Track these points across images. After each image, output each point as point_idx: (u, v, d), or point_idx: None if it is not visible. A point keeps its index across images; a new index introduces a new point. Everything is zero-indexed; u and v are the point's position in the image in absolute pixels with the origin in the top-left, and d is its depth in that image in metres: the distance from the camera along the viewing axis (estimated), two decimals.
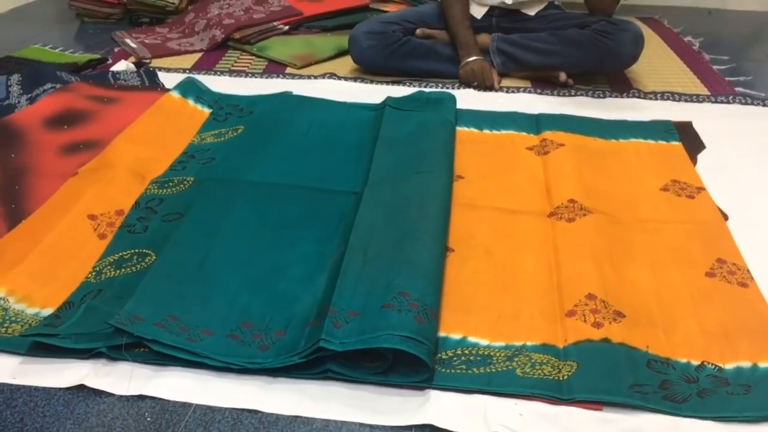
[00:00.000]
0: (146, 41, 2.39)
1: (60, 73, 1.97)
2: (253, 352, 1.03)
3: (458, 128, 1.71)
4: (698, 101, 1.97)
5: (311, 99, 1.84)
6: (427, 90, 1.89)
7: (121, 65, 2.11)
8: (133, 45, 2.34)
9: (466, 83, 2.04)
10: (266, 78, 2.12)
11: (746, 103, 1.96)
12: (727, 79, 2.16)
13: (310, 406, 0.97)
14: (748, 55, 2.45)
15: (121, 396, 0.98)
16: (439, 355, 1.04)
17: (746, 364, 1.02)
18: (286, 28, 2.45)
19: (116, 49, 2.35)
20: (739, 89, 2.07)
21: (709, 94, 2.03)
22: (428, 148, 1.52)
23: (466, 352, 1.05)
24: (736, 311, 1.12)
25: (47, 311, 1.11)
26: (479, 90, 2.01)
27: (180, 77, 1.96)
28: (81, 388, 0.99)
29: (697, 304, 1.14)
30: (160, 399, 0.98)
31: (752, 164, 1.61)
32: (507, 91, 2.02)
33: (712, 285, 1.18)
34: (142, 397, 0.98)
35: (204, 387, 1.00)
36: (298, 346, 1.01)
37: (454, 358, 1.03)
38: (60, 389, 0.99)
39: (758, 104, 1.95)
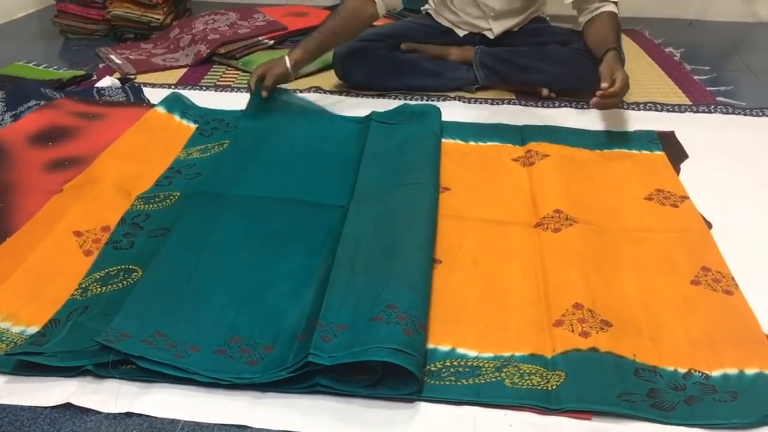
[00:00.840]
0: (131, 57, 2.39)
1: (44, 89, 1.96)
2: (242, 367, 1.03)
3: (444, 140, 1.71)
4: (680, 111, 1.99)
5: (297, 112, 1.84)
6: (412, 103, 1.90)
7: (106, 81, 2.11)
8: (117, 61, 2.34)
9: None
10: None
11: (727, 113, 1.98)
12: (708, 89, 2.18)
13: (299, 420, 0.97)
14: (728, 65, 2.48)
15: (109, 414, 0.98)
16: (428, 366, 1.04)
17: (732, 371, 1.03)
18: (271, 42, 2.45)
19: (101, 65, 2.34)
20: (720, 99, 2.09)
21: (691, 104, 2.05)
22: (414, 160, 1.53)
23: (455, 363, 1.05)
24: (721, 319, 1.13)
25: (33, 329, 1.10)
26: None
27: (165, 92, 1.96)
28: (68, 406, 0.98)
29: (683, 313, 1.15)
30: (148, 416, 0.97)
31: (735, 173, 1.62)
32: (492, 103, 2.04)
33: (697, 293, 1.19)
34: (129, 415, 0.97)
35: (192, 403, 0.99)
36: (286, 361, 1.01)
37: (443, 370, 1.03)
38: (46, 408, 0.99)
39: (739, 113, 1.97)
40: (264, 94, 1.81)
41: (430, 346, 1.08)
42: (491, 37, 2.07)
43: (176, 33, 2.54)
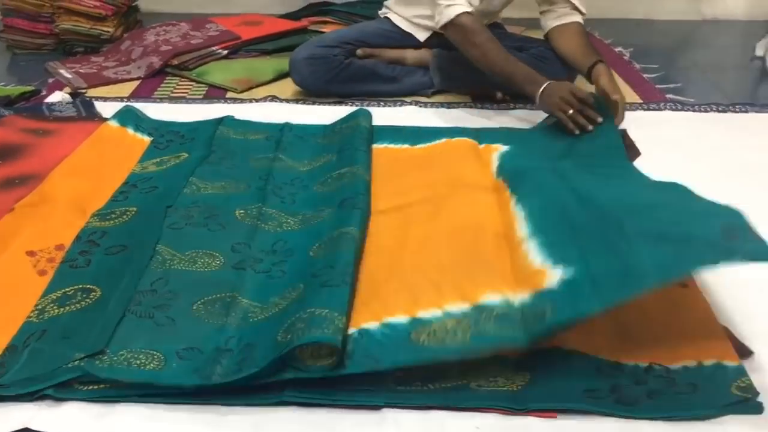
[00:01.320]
0: (81, 71, 2.34)
1: None
2: (210, 370, 1.01)
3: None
4: (632, 109, 2.03)
5: (248, 123, 1.83)
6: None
7: (56, 96, 2.07)
8: (67, 75, 2.30)
9: (555, 113, 1.72)
10: (207, 103, 2.10)
11: (677, 109, 2.03)
12: (657, 86, 2.24)
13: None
14: (676, 63, 2.55)
15: None
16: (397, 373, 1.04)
17: (691, 363, 1.05)
18: (225, 52, 2.43)
19: (50, 80, 2.30)
20: (669, 96, 2.15)
21: (642, 102, 2.10)
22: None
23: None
24: (678, 312, 1.16)
25: None
26: (583, 122, 1.67)
27: (118, 106, 1.93)
28: None
29: (641, 307, 1.17)
30: None
31: (686, 168, 1.65)
32: (448, 107, 2.05)
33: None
34: None
35: (156, 423, 0.97)
36: (255, 362, 1.00)
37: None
38: None
39: (688, 110, 2.02)
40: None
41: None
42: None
43: (127, 45, 2.51)
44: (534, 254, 1.15)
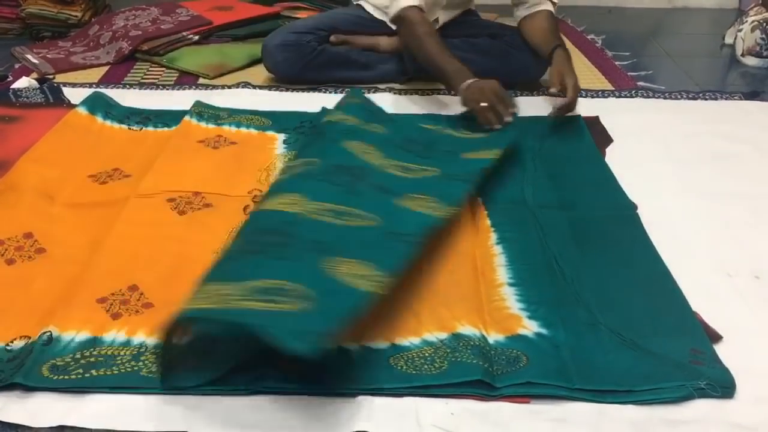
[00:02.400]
0: (48, 56, 2.30)
1: None
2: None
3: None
4: (603, 96, 2.05)
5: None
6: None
7: (23, 82, 2.02)
8: (34, 60, 2.25)
9: (473, 105, 1.69)
10: (178, 89, 2.07)
11: (648, 97, 2.05)
12: (629, 74, 2.25)
13: (240, 423, 0.95)
14: (647, 50, 2.57)
15: (40, 428, 0.94)
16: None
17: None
18: (196, 38, 2.40)
19: (17, 66, 2.25)
20: (641, 83, 2.17)
21: (613, 89, 2.12)
22: None
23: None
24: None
25: None
26: (492, 118, 1.66)
27: (86, 92, 1.90)
28: None
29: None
30: (82, 428, 0.94)
31: (657, 155, 1.68)
32: (422, 94, 2.05)
33: None
34: (62, 428, 0.94)
35: (128, 412, 0.96)
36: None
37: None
38: None
39: (659, 97, 2.04)
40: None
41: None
42: (436, 27, 2.07)
43: (96, 30, 2.46)
44: (512, 301, 1.17)
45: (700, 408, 0.97)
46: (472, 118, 1.71)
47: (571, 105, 1.78)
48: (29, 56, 2.29)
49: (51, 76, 2.14)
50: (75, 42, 2.45)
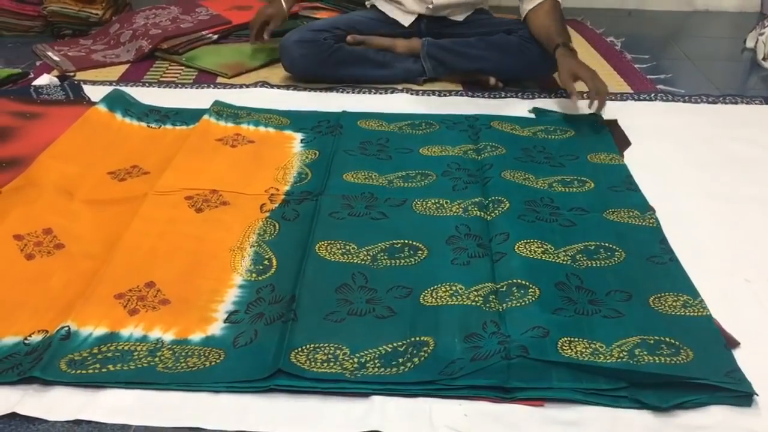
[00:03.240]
0: (69, 54, 2.32)
1: None
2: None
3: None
4: (622, 99, 2.03)
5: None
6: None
7: (44, 79, 2.04)
8: (55, 58, 2.27)
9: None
10: (197, 88, 2.08)
11: (668, 100, 2.03)
12: (648, 77, 2.24)
13: (254, 419, 0.96)
14: (667, 53, 2.55)
15: (56, 422, 0.95)
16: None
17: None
18: (215, 37, 2.41)
19: (38, 63, 2.27)
20: (660, 87, 2.15)
21: (633, 92, 2.10)
22: None
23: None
24: None
25: None
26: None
27: (106, 90, 1.91)
28: (13, 416, 0.95)
29: None
30: (98, 423, 0.95)
31: (675, 158, 1.67)
32: (439, 95, 2.04)
33: None
34: (78, 422, 0.95)
35: (143, 407, 0.97)
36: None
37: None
38: None
39: (679, 100, 2.03)
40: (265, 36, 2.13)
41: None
42: (430, 6, 2.08)
43: (116, 28, 2.48)
44: None
45: (716, 414, 0.97)
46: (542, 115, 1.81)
47: (601, 96, 1.77)
48: (51, 54, 2.31)
49: (72, 74, 2.16)
50: (96, 40, 2.47)
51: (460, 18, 2.13)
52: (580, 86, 1.83)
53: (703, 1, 3.16)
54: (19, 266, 1.23)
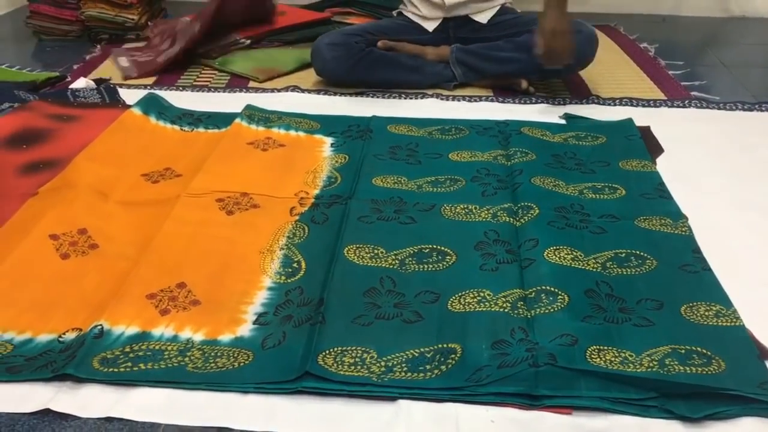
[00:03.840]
0: (140, 60, 2.35)
1: (18, 91, 1.94)
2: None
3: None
4: (655, 106, 2.01)
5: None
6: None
7: (81, 82, 2.08)
8: (124, 65, 2.30)
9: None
10: (229, 92, 2.11)
11: (701, 107, 2.00)
12: (682, 83, 2.21)
13: (281, 421, 0.97)
14: (701, 60, 2.51)
15: (88, 419, 0.97)
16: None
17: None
18: (248, 42, 2.44)
19: (75, 66, 2.32)
20: (694, 93, 2.12)
21: (666, 99, 2.08)
22: None
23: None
24: None
25: (9, 336, 1.09)
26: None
27: (141, 93, 1.95)
28: (46, 412, 0.97)
29: None
30: (128, 420, 0.96)
31: (709, 166, 1.65)
32: (470, 100, 2.04)
33: None
34: (109, 419, 0.96)
35: (172, 406, 0.98)
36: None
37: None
38: (24, 414, 0.97)
39: (713, 108, 2.00)
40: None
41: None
42: (444, 7, 2.08)
43: (158, 39, 2.50)
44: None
45: (748, 426, 0.95)
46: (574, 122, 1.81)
47: (550, 53, 1.82)
48: (122, 59, 2.34)
49: (108, 78, 2.20)
50: (144, 51, 2.48)
51: (483, 19, 2.12)
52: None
53: (739, 6, 3.11)
54: (54, 265, 1.25)
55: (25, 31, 2.69)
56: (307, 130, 1.78)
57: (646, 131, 1.79)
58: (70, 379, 1.01)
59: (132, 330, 1.10)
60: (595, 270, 1.24)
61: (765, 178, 1.60)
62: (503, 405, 0.98)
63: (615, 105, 2.01)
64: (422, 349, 1.07)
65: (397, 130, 1.78)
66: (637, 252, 1.29)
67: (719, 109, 1.99)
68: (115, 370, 1.02)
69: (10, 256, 1.26)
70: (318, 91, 2.10)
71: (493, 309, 1.14)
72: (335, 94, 2.08)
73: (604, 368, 1.01)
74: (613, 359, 1.03)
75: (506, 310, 1.14)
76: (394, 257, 1.28)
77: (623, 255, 1.28)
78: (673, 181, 1.54)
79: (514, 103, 2.02)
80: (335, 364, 1.03)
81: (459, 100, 2.05)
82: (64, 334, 1.10)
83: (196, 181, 1.50)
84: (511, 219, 1.38)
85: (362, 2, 2.72)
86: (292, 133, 1.77)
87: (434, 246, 1.31)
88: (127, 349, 1.06)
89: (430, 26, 2.13)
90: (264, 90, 2.12)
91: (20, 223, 1.36)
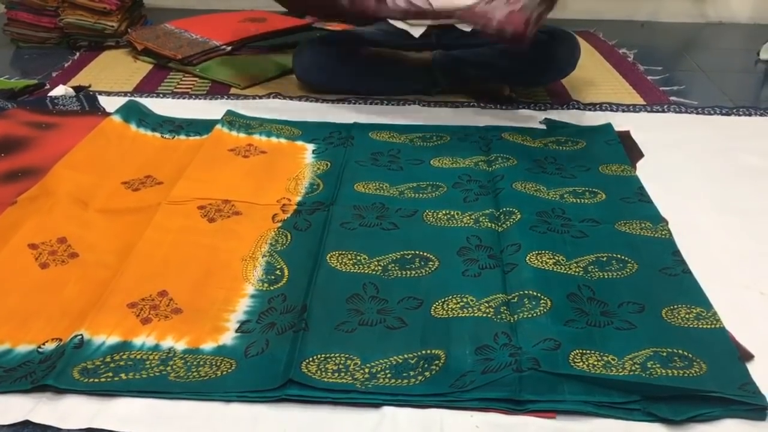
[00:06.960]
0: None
1: None
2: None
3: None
4: (635, 111, 2.03)
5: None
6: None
7: (60, 90, 2.06)
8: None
9: None
10: (210, 99, 2.10)
11: (680, 112, 2.02)
12: (661, 88, 2.23)
13: (265, 429, 0.96)
14: (680, 65, 2.54)
15: (69, 430, 0.95)
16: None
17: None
18: (229, 48, 2.43)
19: (54, 74, 2.30)
20: (673, 98, 2.14)
21: (645, 104, 2.10)
22: None
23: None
24: None
25: None
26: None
27: (121, 101, 1.93)
28: (26, 424, 0.96)
29: None
30: (110, 431, 0.95)
31: (688, 170, 1.66)
32: (452, 106, 2.05)
33: None
34: (90, 430, 0.95)
35: (154, 416, 0.97)
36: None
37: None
38: (3, 426, 0.96)
39: (692, 112, 2.02)
40: None
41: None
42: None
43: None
44: None
45: (730, 427, 0.96)
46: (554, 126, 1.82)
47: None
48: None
49: (87, 85, 2.18)
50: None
51: (467, 28, 2.12)
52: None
53: (716, 12, 3.15)
54: (33, 275, 1.24)
55: (2, 39, 2.66)
56: (289, 137, 1.78)
57: (626, 136, 1.81)
58: (50, 390, 1.00)
59: (113, 339, 1.08)
60: (577, 274, 1.25)
61: (744, 181, 1.62)
62: (487, 410, 0.98)
63: (595, 110, 2.03)
64: (406, 356, 1.07)
65: (379, 137, 1.78)
66: (618, 255, 1.30)
67: (698, 113, 2.02)
68: (96, 380, 1.01)
69: None
70: (299, 98, 2.09)
71: (476, 314, 1.14)
72: (317, 100, 2.08)
73: (588, 372, 1.02)
74: (595, 363, 1.04)
75: (489, 316, 1.14)
76: (376, 263, 1.28)
77: (604, 259, 1.29)
78: (653, 185, 1.56)
79: (495, 108, 2.03)
80: (319, 372, 1.02)
81: (440, 106, 2.05)
82: (43, 344, 1.08)
83: (177, 189, 1.49)
84: (493, 224, 1.39)
85: None
86: (274, 139, 1.77)
87: (417, 252, 1.31)
88: (108, 359, 1.05)
89: (416, 32, 2.13)
90: (245, 96, 2.12)
91: None
